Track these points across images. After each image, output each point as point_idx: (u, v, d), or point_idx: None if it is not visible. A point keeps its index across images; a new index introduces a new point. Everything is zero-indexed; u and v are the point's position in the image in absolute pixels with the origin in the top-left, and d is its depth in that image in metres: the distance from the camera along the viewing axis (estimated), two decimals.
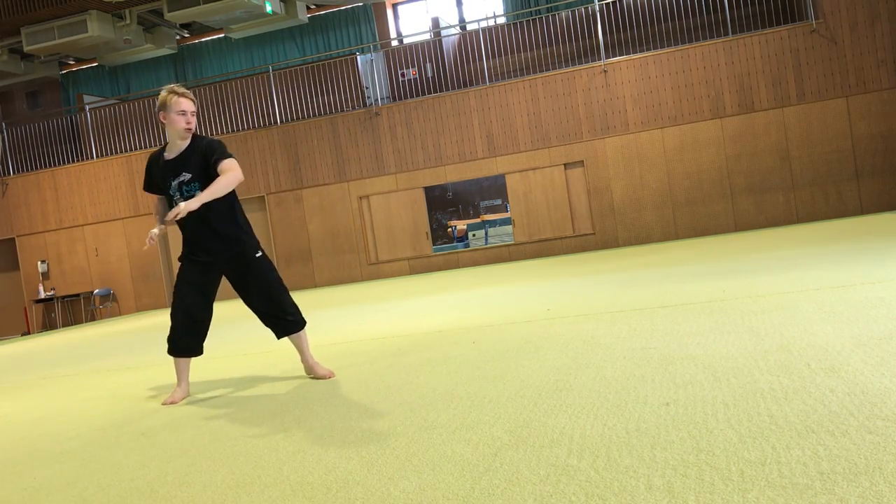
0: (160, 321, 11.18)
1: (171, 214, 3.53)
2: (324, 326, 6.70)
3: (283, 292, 3.90)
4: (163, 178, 3.80)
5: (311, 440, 2.68)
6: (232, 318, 9.63)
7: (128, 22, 14.82)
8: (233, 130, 15.12)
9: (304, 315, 4.00)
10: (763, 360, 2.91)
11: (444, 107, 13.70)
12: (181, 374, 3.94)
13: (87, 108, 16.20)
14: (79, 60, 17.30)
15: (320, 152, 14.33)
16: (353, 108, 14.47)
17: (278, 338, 3.99)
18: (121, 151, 15.77)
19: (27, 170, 16.25)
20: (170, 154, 3.81)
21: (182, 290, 3.81)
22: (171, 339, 3.86)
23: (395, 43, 16.03)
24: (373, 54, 14.83)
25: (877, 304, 3.79)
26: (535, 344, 4.08)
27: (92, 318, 15.52)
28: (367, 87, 14.48)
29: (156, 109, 3.83)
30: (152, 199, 3.88)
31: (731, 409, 2.32)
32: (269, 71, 14.90)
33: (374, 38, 16.12)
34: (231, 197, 3.81)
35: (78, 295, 15.57)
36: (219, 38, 17.06)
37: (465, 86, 14.48)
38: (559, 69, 13.55)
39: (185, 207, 3.46)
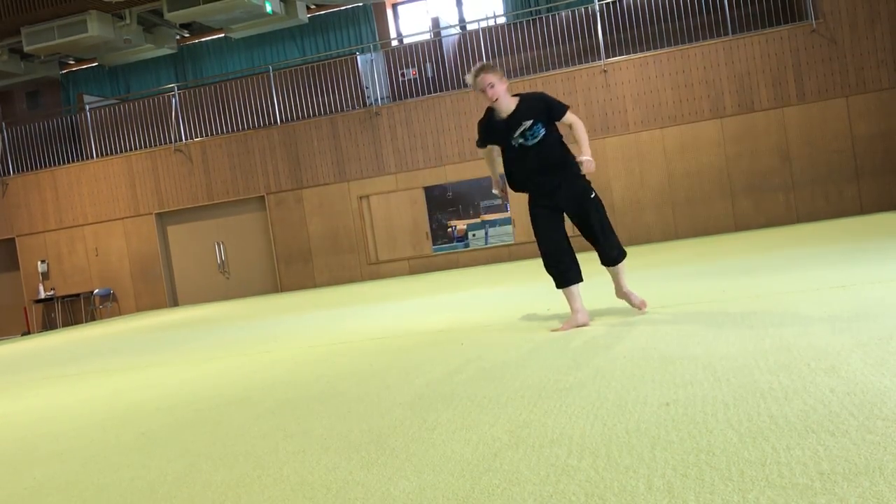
0: (160, 321, 11.18)
1: (587, 167, 4.33)
2: (324, 326, 6.70)
3: (612, 230, 4.55)
4: (503, 135, 4.39)
5: (311, 440, 2.68)
6: (233, 317, 9.64)
7: (128, 22, 14.82)
8: (233, 130, 15.13)
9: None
10: (763, 360, 2.91)
11: (444, 107, 13.70)
12: (574, 302, 4.47)
13: (87, 108, 16.20)
14: (79, 60, 17.29)
15: (320, 152, 14.33)
16: (353, 108, 14.47)
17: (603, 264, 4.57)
18: (121, 151, 15.76)
19: (27, 170, 16.25)
20: (502, 115, 4.37)
21: (544, 234, 4.46)
22: (555, 275, 4.47)
23: (395, 43, 16.03)
24: (373, 54, 14.84)
25: (877, 304, 3.79)
26: (535, 344, 4.08)
27: (92, 318, 15.52)
28: (367, 87, 14.48)
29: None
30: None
31: (731, 409, 2.32)
32: (269, 71, 14.90)
33: (374, 38, 16.12)
34: (560, 137, 4.45)
35: (78, 295, 15.57)
36: (219, 38, 17.06)
37: (465, 86, 14.47)
38: (559, 69, 13.55)
39: (590, 163, 4.33)
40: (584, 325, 4.40)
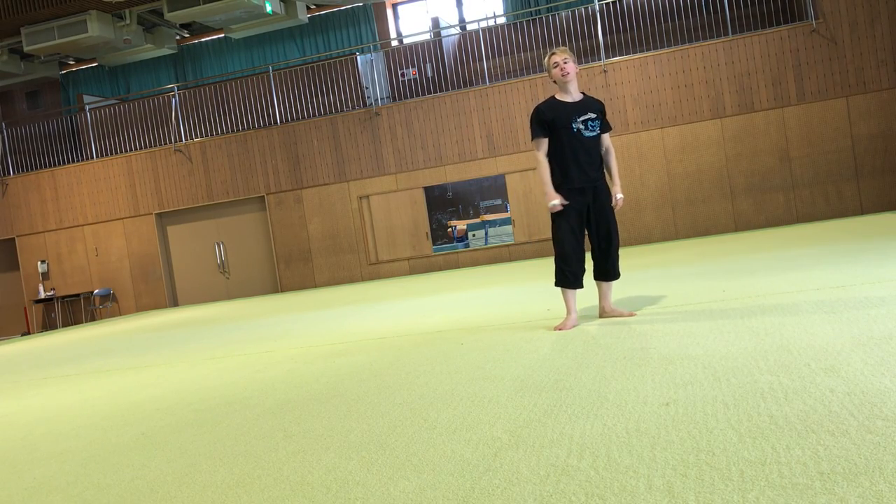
0: (160, 321, 11.18)
1: (620, 204, 4.53)
2: (324, 326, 6.70)
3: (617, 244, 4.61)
4: (567, 116, 4.45)
5: (311, 440, 2.68)
6: (233, 317, 9.63)
7: (128, 22, 14.83)
8: (233, 130, 15.13)
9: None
10: (763, 360, 2.91)
11: (444, 107, 13.70)
12: (574, 304, 4.57)
13: (87, 108, 16.20)
14: (79, 60, 17.30)
15: (320, 152, 14.34)
16: (353, 108, 14.47)
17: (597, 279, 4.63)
18: (121, 151, 15.77)
19: (27, 170, 16.25)
20: (568, 99, 4.52)
21: (569, 234, 4.49)
22: (569, 276, 4.50)
23: (395, 43, 16.03)
24: (373, 54, 14.84)
25: (877, 304, 3.79)
26: (535, 344, 4.08)
27: (92, 318, 15.52)
28: (367, 87, 14.48)
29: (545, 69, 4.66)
30: (535, 153, 4.55)
31: (731, 409, 2.32)
32: (269, 71, 14.90)
33: (374, 38, 16.12)
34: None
35: (78, 295, 15.58)
36: (219, 38, 17.06)
37: (465, 86, 14.48)
38: None
39: (622, 200, 4.54)
40: (576, 325, 4.53)
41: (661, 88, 12.71)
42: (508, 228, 14.37)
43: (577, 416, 2.48)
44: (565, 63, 4.44)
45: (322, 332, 6.26)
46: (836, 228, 9.86)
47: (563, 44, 14.28)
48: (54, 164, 16.11)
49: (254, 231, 14.95)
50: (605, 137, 4.62)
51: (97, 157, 15.77)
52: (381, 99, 14.45)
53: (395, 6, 16.73)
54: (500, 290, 7.86)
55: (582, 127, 4.46)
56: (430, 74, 14.34)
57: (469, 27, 15.46)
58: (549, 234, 13.28)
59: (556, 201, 4.40)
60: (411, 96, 14.31)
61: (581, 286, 4.54)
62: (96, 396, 4.50)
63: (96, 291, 15.44)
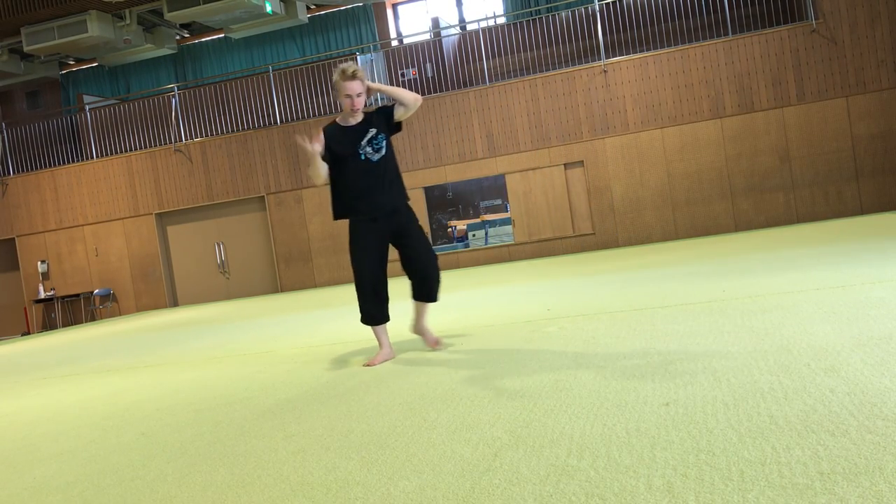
0: (160, 321, 11.18)
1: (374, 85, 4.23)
2: (324, 326, 6.70)
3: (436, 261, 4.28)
4: (352, 144, 4.14)
5: (311, 440, 2.68)
6: (233, 317, 9.63)
7: (128, 22, 14.82)
8: (233, 130, 15.13)
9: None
10: (763, 360, 2.91)
11: (444, 107, 13.70)
12: (384, 338, 4.27)
13: (87, 108, 16.20)
14: (79, 60, 17.30)
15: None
16: None
17: (416, 300, 4.27)
18: (121, 151, 15.77)
19: (27, 170, 16.25)
20: (349, 123, 4.21)
21: (361, 258, 4.14)
22: (373, 309, 4.19)
23: (395, 43, 16.03)
24: (373, 54, 14.84)
25: (877, 304, 3.79)
26: (535, 344, 4.08)
27: (92, 318, 15.52)
28: None
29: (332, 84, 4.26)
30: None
31: (731, 409, 2.32)
32: (269, 71, 14.90)
33: (374, 38, 16.12)
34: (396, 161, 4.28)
35: (78, 295, 15.58)
36: (219, 38, 17.06)
37: (465, 86, 14.48)
38: (559, 69, 13.55)
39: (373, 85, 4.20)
40: (389, 358, 4.22)
41: (661, 88, 12.71)
42: (508, 228, 14.37)
43: (577, 416, 2.48)
44: (358, 97, 4.08)
45: (322, 332, 6.26)
46: (836, 228, 9.86)
47: (563, 44, 14.28)
48: (54, 164, 16.11)
49: (254, 231, 14.95)
50: (400, 104, 4.23)
51: (97, 157, 15.77)
52: (382, 99, 14.45)
53: (395, 6, 16.73)
54: (500, 290, 7.86)
55: (370, 150, 4.13)
56: (430, 74, 14.34)
57: (469, 27, 15.46)
58: (549, 234, 13.30)
59: (317, 145, 4.02)
60: None
61: (382, 321, 4.21)
62: (96, 396, 4.50)
63: (96, 291, 15.44)
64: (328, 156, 4.15)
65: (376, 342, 4.40)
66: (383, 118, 4.24)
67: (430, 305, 4.37)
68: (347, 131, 4.17)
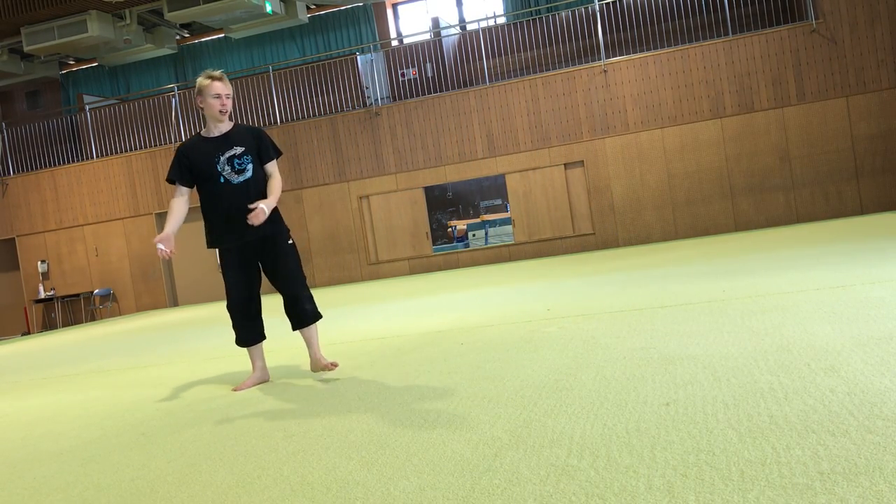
0: (160, 321, 11.18)
1: (253, 218, 3.73)
2: (324, 326, 6.70)
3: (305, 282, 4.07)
4: (206, 156, 3.87)
5: (311, 440, 2.68)
6: None
7: (128, 22, 14.82)
8: None
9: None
10: (763, 360, 2.91)
11: (444, 107, 13.70)
12: (259, 360, 4.12)
13: (87, 108, 16.20)
14: (79, 60, 17.29)
15: (320, 152, 14.33)
16: (353, 108, 14.47)
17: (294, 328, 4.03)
18: (121, 151, 15.77)
19: (27, 170, 16.25)
20: (211, 134, 3.93)
21: (231, 284, 3.99)
22: (246, 330, 4.06)
23: (395, 43, 16.03)
24: (373, 54, 14.83)
25: (877, 304, 3.79)
26: (535, 344, 4.08)
27: (92, 318, 15.52)
28: (367, 87, 14.48)
29: (194, 94, 3.94)
30: (169, 195, 3.93)
31: (731, 409, 2.32)
32: (269, 71, 14.90)
33: (374, 38, 16.12)
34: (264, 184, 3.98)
35: (78, 295, 15.57)
36: (219, 38, 17.06)
37: (465, 86, 14.48)
38: (559, 69, 13.55)
39: (263, 209, 3.74)
40: (266, 380, 4.10)
41: (661, 88, 12.71)
42: (508, 228, 14.37)
43: (577, 416, 2.48)
44: (227, 97, 3.85)
45: (322, 332, 6.26)
46: (836, 228, 9.86)
47: (563, 44, 14.29)
48: (54, 164, 16.11)
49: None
50: (269, 166, 3.98)
51: (97, 157, 15.77)
52: (381, 99, 14.45)
53: (395, 6, 16.73)
54: (500, 290, 7.85)
55: (229, 170, 3.84)
56: (430, 74, 14.33)
57: (469, 27, 15.46)
58: (549, 234, 13.29)
59: (160, 245, 3.76)
60: (411, 96, 14.31)
61: (255, 342, 4.06)
62: (96, 396, 4.50)
63: (96, 291, 15.44)
64: (189, 177, 3.91)
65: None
66: (255, 140, 3.93)
67: (319, 325, 4.15)
68: (208, 142, 3.90)
